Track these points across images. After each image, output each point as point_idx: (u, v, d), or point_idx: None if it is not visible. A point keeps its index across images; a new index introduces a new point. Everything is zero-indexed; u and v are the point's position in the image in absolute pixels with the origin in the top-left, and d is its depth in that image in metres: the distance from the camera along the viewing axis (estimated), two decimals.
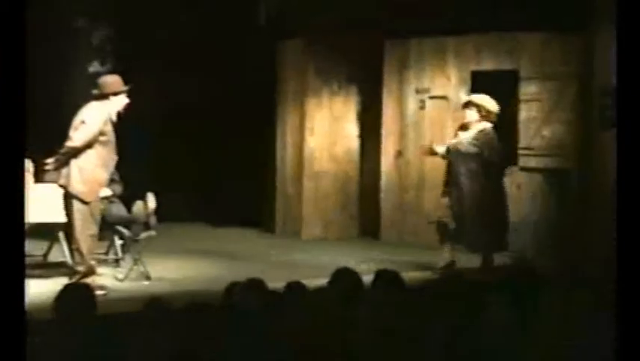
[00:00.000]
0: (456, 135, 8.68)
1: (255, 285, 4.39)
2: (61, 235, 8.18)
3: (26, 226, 8.09)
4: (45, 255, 8.62)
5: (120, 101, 7.49)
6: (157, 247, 8.53)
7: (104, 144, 7.39)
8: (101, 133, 7.36)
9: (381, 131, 10.86)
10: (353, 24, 10.59)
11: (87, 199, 7.33)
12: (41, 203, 7.93)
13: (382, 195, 10.87)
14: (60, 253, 8.24)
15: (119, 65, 10.82)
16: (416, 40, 10.60)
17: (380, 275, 4.65)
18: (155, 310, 4.06)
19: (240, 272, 8.21)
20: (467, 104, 8.53)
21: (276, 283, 4.72)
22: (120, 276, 8.15)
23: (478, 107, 8.43)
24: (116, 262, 8.60)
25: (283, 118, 11.36)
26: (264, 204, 11.44)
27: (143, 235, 8.24)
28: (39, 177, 8.14)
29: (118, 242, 8.55)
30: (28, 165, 8.13)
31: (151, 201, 8.25)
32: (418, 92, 10.62)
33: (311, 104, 11.13)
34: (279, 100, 11.38)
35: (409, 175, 10.59)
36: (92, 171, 7.35)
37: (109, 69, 10.74)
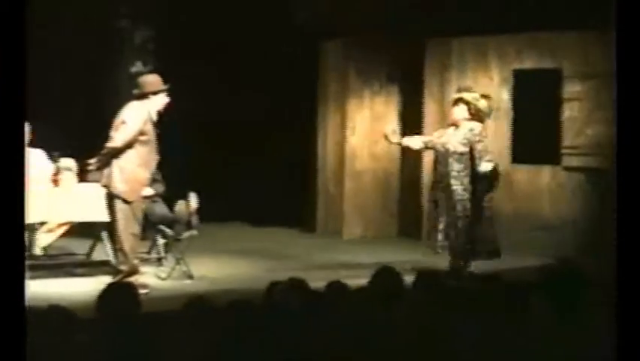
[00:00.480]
0: (440, 133, 8.44)
1: (297, 284, 4.40)
2: (104, 234, 8.24)
3: (70, 225, 8.24)
4: (88, 254, 8.70)
5: (160, 101, 7.49)
6: (199, 247, 8.57)
7: (145, 143, 7.41)
8: (142, 133, 7.38)
9: (423, 131, 10.82)
10: (394, 24, 10.58)
11: (129, 199, 7.37)
12: (85, 202, 8.01)
13: (423, 193, 10.84)
14: (103, 251, 8.32)
15: (161, 65, 10.90)
16: (457, 39, 10.56)
17: (421, 275, 4.64)
18: (197, 309, 4.09)
19: (281, 272, 8.28)
20: (457, 102, 8.28)
21: (317, 282, 4.74)
22: (163, 275, 8.21)
23: (468, 105, 8.21)
24: (159, 261, 8.66)
25: (324, 118, 11.37)
26: (305, 203, 11.46)
27: (186, 234, 8.29)
28: (83, 177, 8.22)
29: (160, 241, 8.60)
30: (72, 165, 8.23)
31: (193, 200, 8.30)
32: (459, 91, 10.56)
33: (352, 104, 11.14)
34: (321, 100, 11.39)
35: None
36: (132, 170, 7.38)
37: (151, 69, 10.83)
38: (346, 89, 11.16)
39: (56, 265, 8.39)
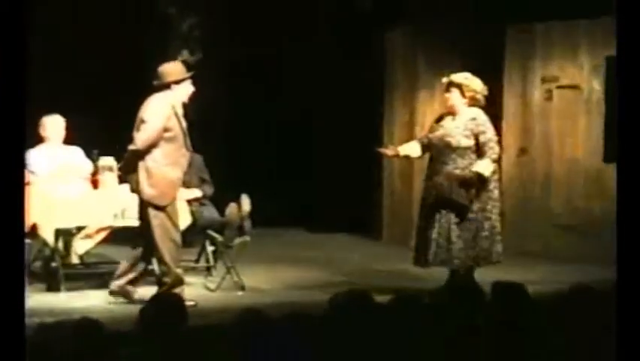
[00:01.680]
0: (433, 128, 8.10)
1: (360, 297, 4.39)
2: None
3: (110, 231, 8.31)
4: None
5: (184, 91, 7.38)
6: (252, 254, 8.58)
7: (170, 140, 7.30)
8: (166, 129, 7.26)
9: (502, 126, 10.74)
10: (469, 7, 10.51)
11: (161, 204, 7.29)
12: (127, 205, 8.04)
13: (503, 197, 10.75)
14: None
15: (209, 53, 10.97)
16: (542, 23, 10.46)
17: (499, 287, 4.60)
18: (250, 323, 4.10)
19: (342, 283, 8.26)
20: (448, 87, 7.96)
21: (382, 295, 4.72)
22: (212, 285, 8.24)
23: (461, 88, 7.93)
24: (208, 270, 8.69)
25: (391, 112, 11.35)
26: (370, 206, 11.44)
27: (237, 240, 8.30)
28: (123, 177, 8.27)
29: (209, 248, 8.63)
30: (113, 164, 8.28)
31: (245, 203, 8.29)
32: (544, 81, 10.46)
33: (422, 98, 11.09)
34: (387, 92, 11.36)
35: (535, 175, 10.44)
36: (161, 172, 7.28)
37: (199, 58, 10.89)
38: (415, 80, 11.11)
39: (95, 274, 8.46)
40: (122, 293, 7.45)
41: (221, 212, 8.49)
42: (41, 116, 8.40)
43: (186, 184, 8.55)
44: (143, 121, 7.30)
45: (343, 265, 9.50)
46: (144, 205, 7.35)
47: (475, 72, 11.33)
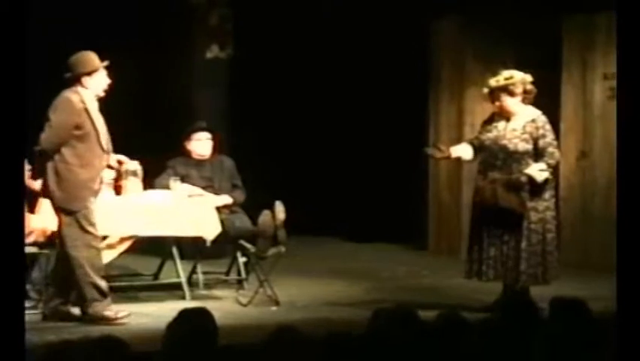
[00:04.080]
0: (484, 129, 8.02)
1: (404, 314, 4.39)
2: (175, 250, 8.34)
3: (134, 241, 8.35)
4: (155, 275, 8.82)
5: (98, 83, 7.33)
6: (287, 266, 8.60)
7: (82, 139, 7.26)
8: (77, 126, 7.24)
9: (560, 127, 10.69)
10: None
11: (73, 208, 7.26)
12: (152, 213, 8.09)
13: (561, 204, 10.69)
14: (174, 271, 8.40)
15: (242, 49, 11.00)
16: (604, 14, 10.40)
17: (557, 303, 4.58)
18: (285, 342, 4.11)
19: (386, 298, 8.25)
20: (492, 95, 7.87)
21: (429, 312, 4.72)
22: (244, 300, 8.26)
23: (507, 89, 7.81)
24: (239, 283, 8.72)
25: (437, 111, 11.32)
26: (414, 215, 11.42)
27: (271, 251, 8.31)
28: (148, 182, 8.31)
29: (241, 260, 8.66)
30: (138, 168, 8.31)
31: (280, 211, 8.30)
32: (606, 78, 10.39)
33: (471, 95, 11.05)
34: (432, 90, 11.34)
35: (596, 181, 10.37)
36: (71, 174, 7.26)
37: (229, 54, 10.91)
38: (464, 76, 11.09)
39: (117, 287, 8.50)
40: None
41: (254, 220, 8.51)
42: None
43: (216, 190, 8.60)
44: (48, 119, 7.29)
45: (386, 278, 9.50)
46: (55, 210, 7.33)
47: (530, 68, 11.32)
